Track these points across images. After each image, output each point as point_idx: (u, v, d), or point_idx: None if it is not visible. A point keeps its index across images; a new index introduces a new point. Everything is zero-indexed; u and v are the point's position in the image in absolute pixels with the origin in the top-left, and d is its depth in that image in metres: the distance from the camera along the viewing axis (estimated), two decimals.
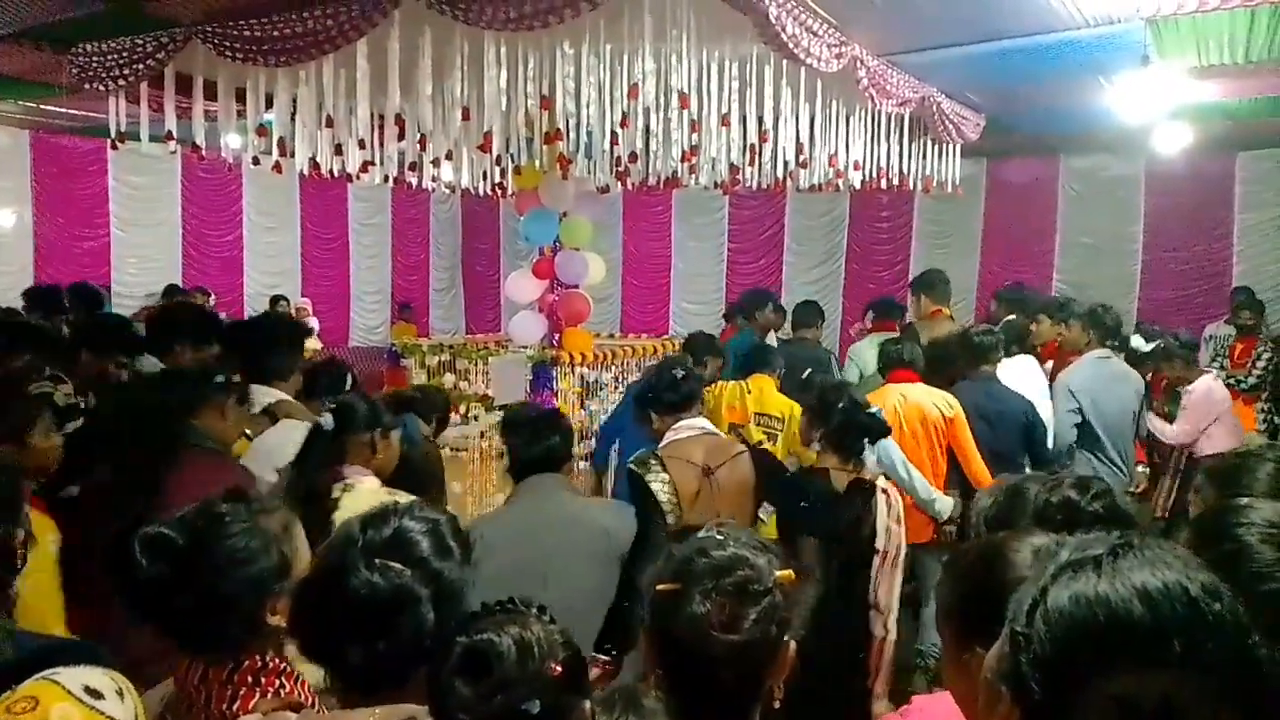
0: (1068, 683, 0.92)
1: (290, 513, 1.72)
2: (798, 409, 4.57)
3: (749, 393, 4.83)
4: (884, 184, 6.32)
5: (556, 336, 6.19)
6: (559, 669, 1.40)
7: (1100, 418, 4.95)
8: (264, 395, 3.36)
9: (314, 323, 10.55)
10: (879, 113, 5.58)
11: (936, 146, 6.56)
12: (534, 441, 3.03)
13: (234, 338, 3.82)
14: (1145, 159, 9.41)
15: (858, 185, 6.21)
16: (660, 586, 1.48)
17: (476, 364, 6.25)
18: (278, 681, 1.53)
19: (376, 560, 1.49)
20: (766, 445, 4.62)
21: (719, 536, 1.52)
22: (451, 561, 1.56)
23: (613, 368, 6.15)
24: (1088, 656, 0.92)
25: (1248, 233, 9.89)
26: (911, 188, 6.61)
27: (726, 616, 1.42)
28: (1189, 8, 4.42)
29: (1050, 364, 6.06)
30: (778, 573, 1.47)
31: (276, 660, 1.57)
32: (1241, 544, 1.50)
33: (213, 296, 10.23)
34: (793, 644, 1.52)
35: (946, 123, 6.23)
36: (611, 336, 7.67)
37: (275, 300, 10.67)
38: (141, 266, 10.54)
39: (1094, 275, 10.41)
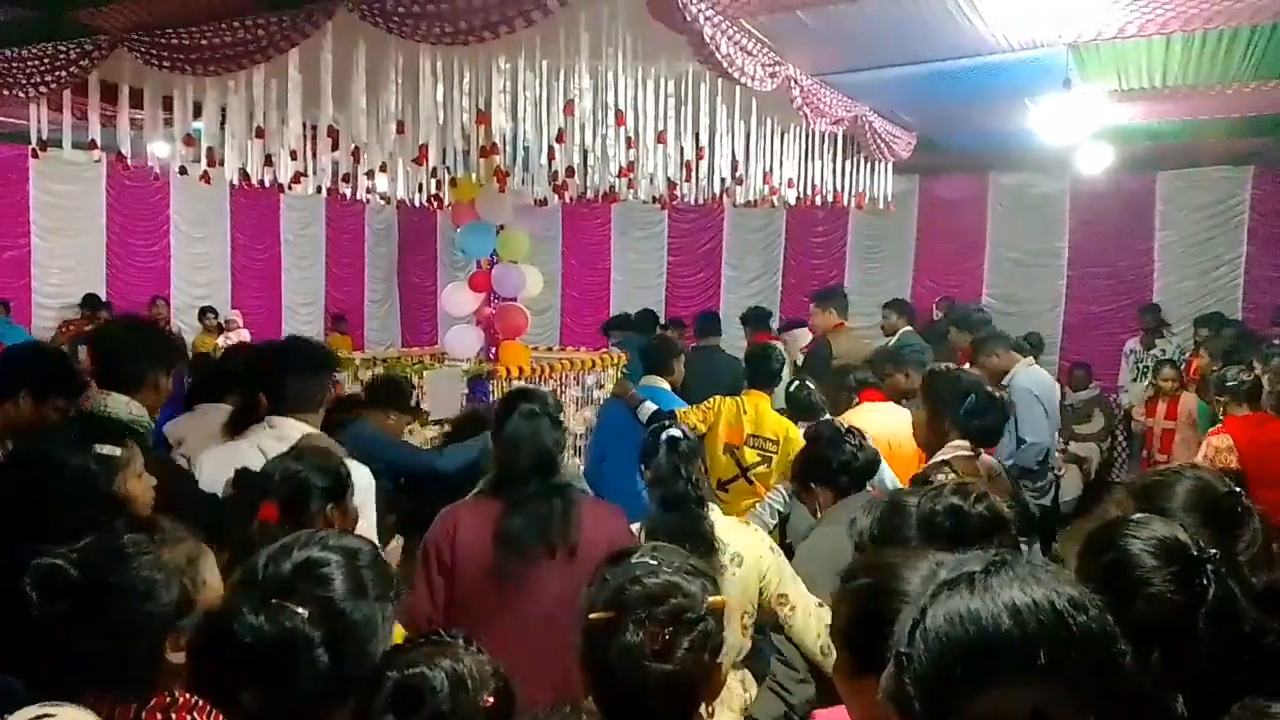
0: (945, 700, 0.96)
1: (199, 544, 1.66)
2: (794, 430, 4.50)
3: (745, 412, 4.58)
4: (818, 200, 6.42)
5: (493, 350, 6.16)
6: (491, 700, 1.40)
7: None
8: (292, 429, 2.97)
9: (245, 335, 10.36)
10: (813, 131, 5.67)
11: (869, 164, 6.69)
12: (859, 452, 3.18)
13: (256, 364, 3.45)
14: (1070, 177, 9.70)
15: (792, 202, 6.31)
16: (593, 615, 1.47)
17: (411, 378, 6.18)
18: (189, 718, 1.48)
19: (273, 600, 1.41)
20: (761, 469, 4.49)
21: (652, 563, 1.51)
22: (362, 600, 1.48)
23: (550, 381, 6.13)
24: (961, 672, 0.95)
25: (1167, 250, 10.23)
26: (846, 204, 6.73)
27: (660, 645, 1.42)
28: (1108, 34, 4.57)
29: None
30: (710, 599, 1.47)
31: (187, 695, 1.50)
32: (1124, 553, 1.59)
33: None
34: (725, 666, 1.52)
35: (879, 141, 6.35)
36: (550, 349, 7.64)
37: (203, 312, 10.46)
38: (64, 277, 10.25)
39: (1022, 290, 10.70)
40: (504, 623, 2.44)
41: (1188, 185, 10.01)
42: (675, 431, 2.92)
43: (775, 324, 8.71)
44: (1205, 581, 1.50)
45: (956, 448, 3.47)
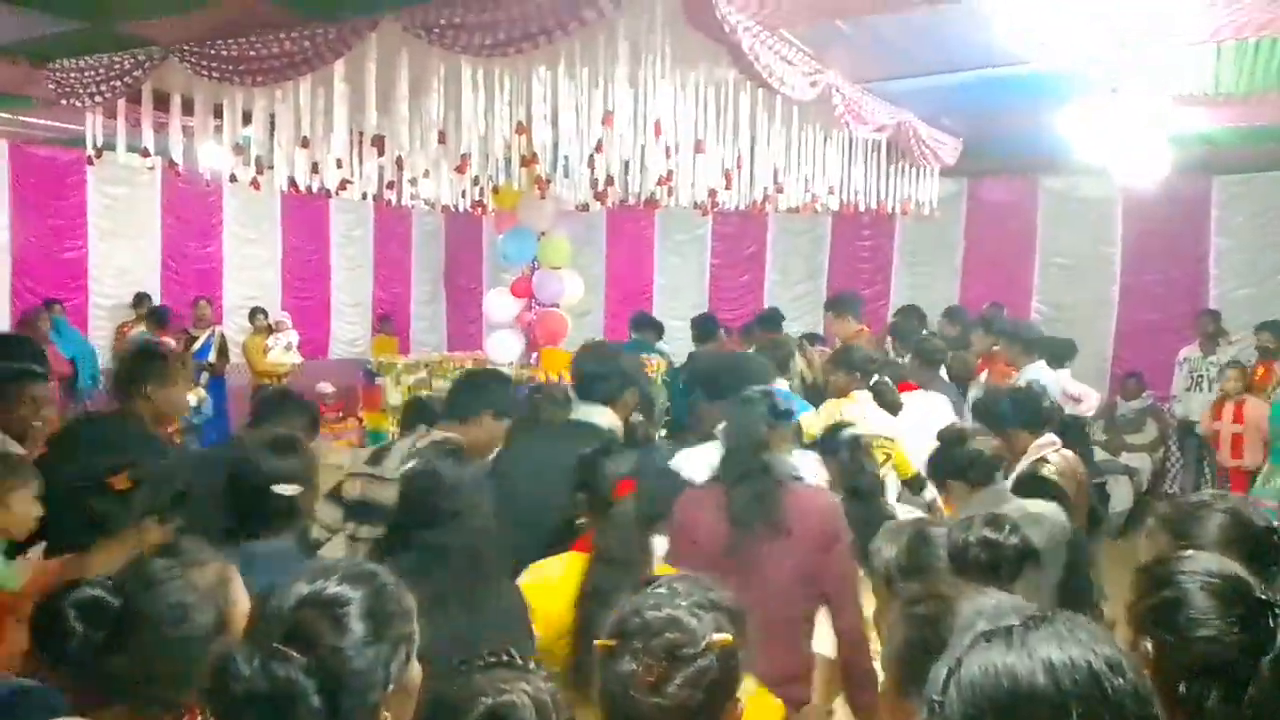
0: None
1: (226, 565, 1.70)
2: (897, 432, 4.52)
3: (865, 415, 4.53)
4: (861, 207, 6.38)
5: (534, 355, 6.21)
6: None
7: None
8: None
9: (294, 336, 10.52)
10: (855, 137, 5.63)
11: (914, 169, 6.62)
12: (984, 448, 3.38)
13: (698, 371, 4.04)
14: (1122, 181, 9.48)
15: (835, 209, 6.27)
16: (598, 642, 1.48)
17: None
18: None
19: (274, 645, 1.36)
20: (886, 465, 4.41)
21: (664, 594, 1.50)
22: (371, 644, 1.41)
23: None
24: None
25: (1223, 256, 9.98)
26: (889, 211, 6.67)
27: (653, 678, 1.41)
28: (1158, 41, 4.48)
29: (984, 375, 6.46)
30: (715, 636, 1.44)
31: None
32: (1182, 591, 1.57)
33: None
34: (742, 703, 1.50)
35: (923, 147, 6.28)
36: None
37: (254, 313, 10.64)
38: (120, 279, 10.47)
39: (1072, 296, 10.48)
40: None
41: (1245, 190, 9.75)
42: (856, 430, 3.40)
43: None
44: (1272, 625, 1.49)
45: (1043, 446, 3.93)
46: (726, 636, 1.44)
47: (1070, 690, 0.94)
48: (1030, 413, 4.14)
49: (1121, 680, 0.96)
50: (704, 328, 7.76)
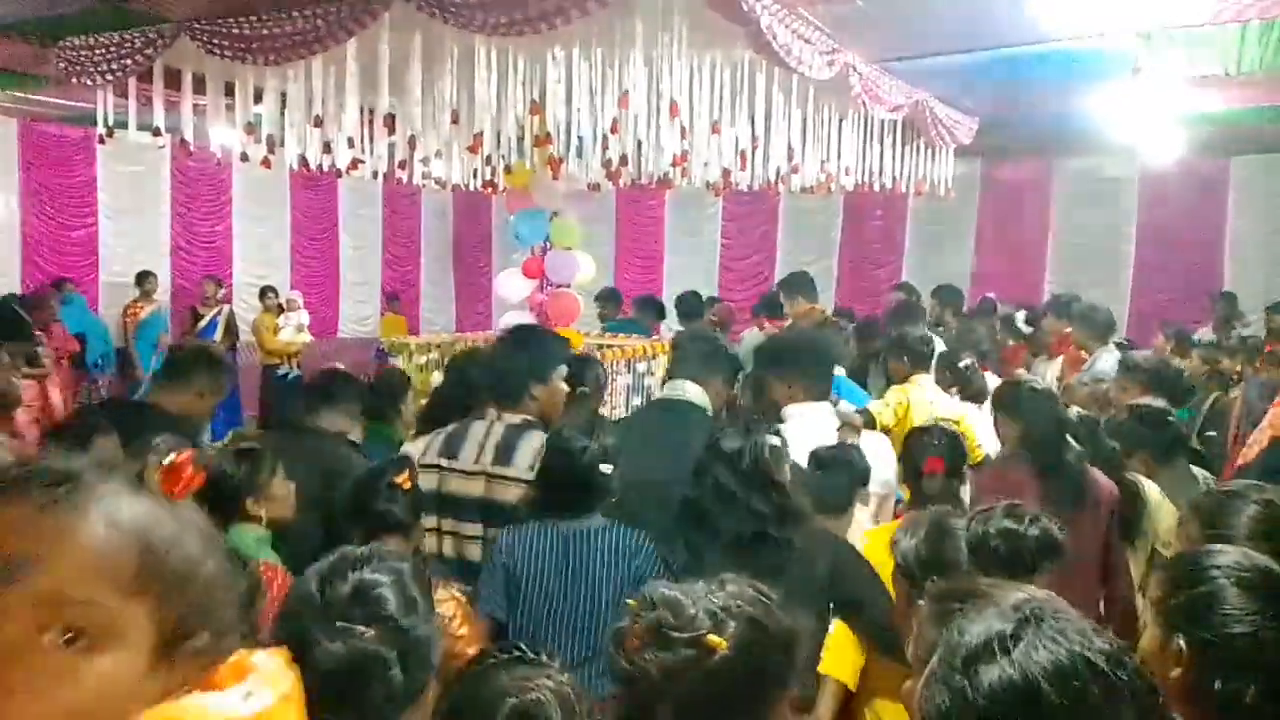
0: None
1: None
2: (964, 414, 4.41)
3: (931, 400, 4.43)
4: (876, 187, 6.33)
5: None
6: None
7: None
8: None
9: (305, 315, 10.50)
10: (871, 117, 5.57)
11: (929, 149, 6.56)
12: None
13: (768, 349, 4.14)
14: (1139, 162, 9.41)
15: (850, 188, 6.23)
16: (631, 600, 1.46)
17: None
18: None
19: (338, 624, 1.40)
20: None
21: (706, 586, 1.45)
22: (416, 616, 1.47)
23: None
24: None
25: (1239, 238, 9.89)
26: (904, 190, 6.62)
27: (629, 640, 1.38)
28: (1180, 22, 4.41)
29: (1059, 360, 6.31)
30: (709, 637, 1.36)
31: None
32: (1215, 587, 1.56)
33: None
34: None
35: (939, 127, 6.22)
36: (602, 335, 7.62)
37: (264, 291, 10.61)
38: (130, 256, 10.45)
39: (1086, 277, 10.38)
40: None
41: (1264, 171, 9.65)
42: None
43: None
44: None
45: None
46: (720, 641, 1.36)
47: (1080, 696, 0.93)
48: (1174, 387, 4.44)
49: (1123, 671, 0.95)
50: (689, 306, 7.89)
